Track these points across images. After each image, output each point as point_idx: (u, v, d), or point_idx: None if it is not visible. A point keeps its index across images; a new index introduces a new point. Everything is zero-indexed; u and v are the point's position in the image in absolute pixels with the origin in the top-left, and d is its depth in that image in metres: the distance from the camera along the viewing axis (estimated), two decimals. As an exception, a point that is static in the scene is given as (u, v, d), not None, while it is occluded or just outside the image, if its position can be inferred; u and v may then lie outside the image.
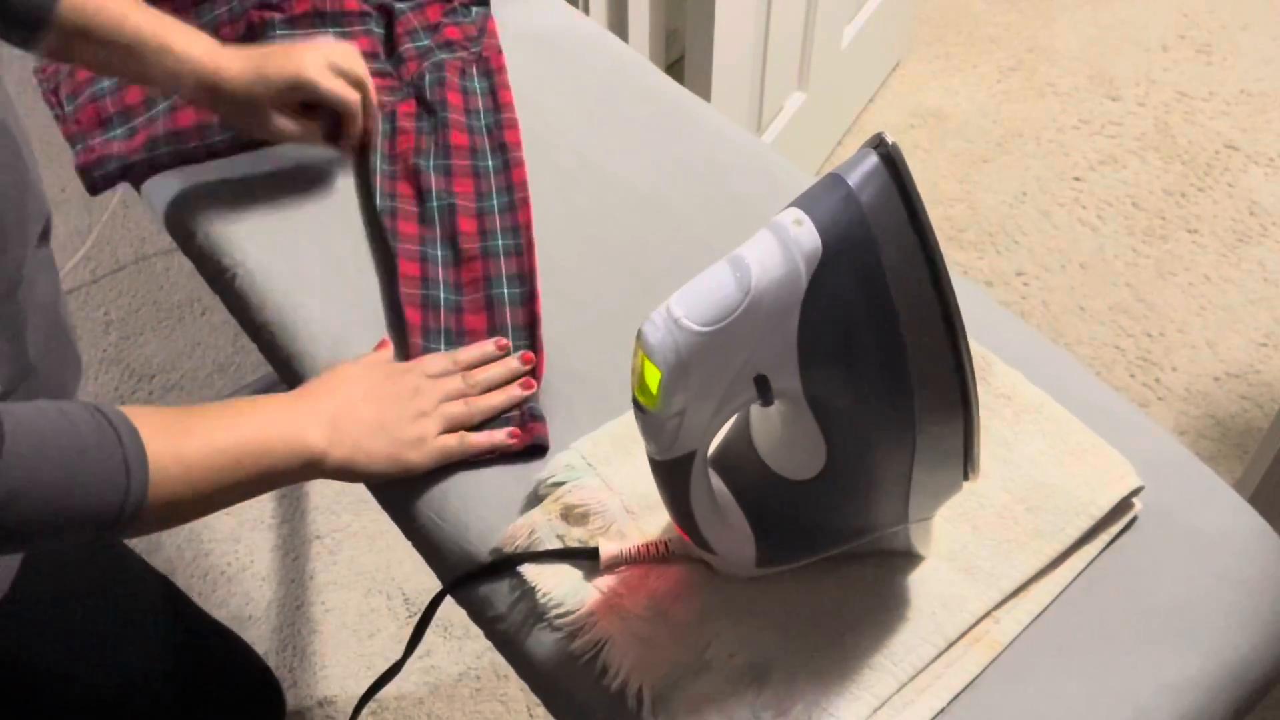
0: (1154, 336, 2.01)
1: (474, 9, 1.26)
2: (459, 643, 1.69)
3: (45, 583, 0.88)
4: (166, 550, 1.83)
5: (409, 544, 0.93)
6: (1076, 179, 2.26)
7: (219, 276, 1.09)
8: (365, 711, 1.65)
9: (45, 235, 0.86)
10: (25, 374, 0.81)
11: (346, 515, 1.86)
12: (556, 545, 0.85)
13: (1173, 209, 2.20)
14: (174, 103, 1.15)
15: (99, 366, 2.06)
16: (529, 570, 0.84)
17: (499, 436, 0.91)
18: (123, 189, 1.16)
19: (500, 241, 1.05)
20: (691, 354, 0.68)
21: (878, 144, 0.69)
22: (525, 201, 1.08)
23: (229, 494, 0.79)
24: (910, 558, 0.84)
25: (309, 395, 0.87)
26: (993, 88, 2.45)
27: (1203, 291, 2.07)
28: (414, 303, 1.00)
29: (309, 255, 1.07)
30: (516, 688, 1.66)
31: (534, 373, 0.96)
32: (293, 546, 1.84)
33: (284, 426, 0.82)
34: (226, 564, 1.82)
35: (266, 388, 1.98)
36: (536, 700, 1.40)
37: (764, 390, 0.71)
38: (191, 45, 1.00)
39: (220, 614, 1.74)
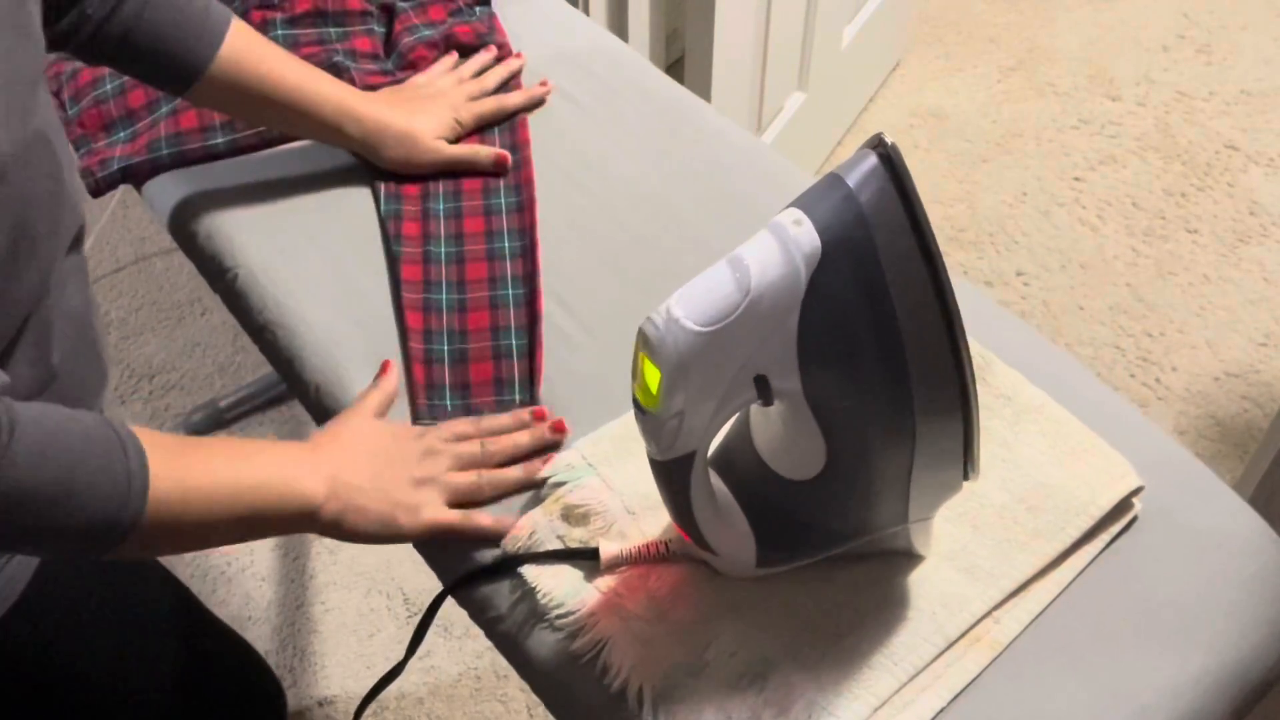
0: (1154, 336, 2.01)
1: (477, 9, 1.26)
2: (459, 643, 1.69)
3: (62, 585, 0.89)
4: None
5: (409, 544, 0.93)
6: (1076, 179, 2.27)
7: (220, 277, 1.09)
8: (366, 711, 1.66)
9: (78, 242, 0.86)
10: (49, 381, 0.81)
11: (347, 515, 1.86)
12: (557, 545, 0.85)
13: (1173, 209, 2.20)
14: (176, 105, 1.15)
15: (99, 366, 2.06)
16: (529, 571, 0.84)
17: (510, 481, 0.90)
18: (122, 189, 1.16)
19: (506, 243, 1.05)
20: (691, 354, 0.68)
21: (877, 145, 0.69)
22: (532, 201, 1.08)
23: (223, 530, 0.78)
24: (911, 558, 0.84)
25: (315, 446, 0.86)
26: (993, 88, 2.45)
27: (1203, 291, 2.08)
28: (416, 307, 1.00)
29: (310, 256, 1.07)
30: (516, 688, 1.66)
31: (533, 379, 0.96)
32: (293, 546, 1.85)
33: (285, 470, 0.81)
34: (226, 564, 1.82)
35: (266, 388, 1.98)
36: (536, 700, 1.40)
37: (764, 390, 0.71)
38: (349, 99, 1.07)
39: (220, 614, 1.74)
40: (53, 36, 0.91)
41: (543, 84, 1.18)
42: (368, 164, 1.11)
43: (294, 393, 1.03)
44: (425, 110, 1.11)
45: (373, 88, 1.14)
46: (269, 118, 1.07)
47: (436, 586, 0.88)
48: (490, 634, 0.86)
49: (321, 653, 1.72)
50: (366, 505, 0.84)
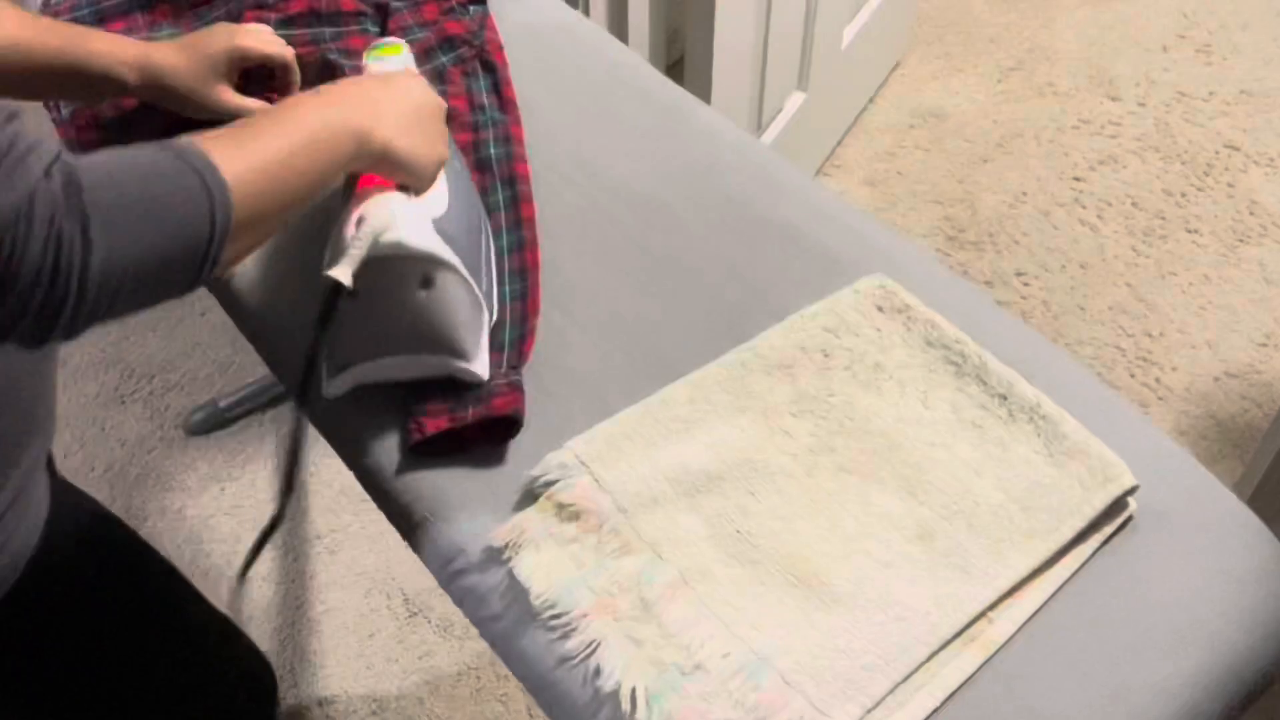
0: (1154, 336, 2.01)
1: (471, 7, 1.27)
2: (459, 643, 1.69)
3: (57, 572, 0.90)
4: (166, 550, 1.83)
5: (409, 544, 0.93)
6: (1076, 179, 2.26)
7: (218, 277, 1.08)
8: (366, 710, 1.66)
9: None
10: None
11: (346, 515, 1.86)
12: (549, 543, 0.85)
13: (1173, 209, 2.20)
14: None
15: (99, 366, 2.06)
16: (523, 570, 0.84)
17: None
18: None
19: (504, 238, 1.05)
20: None
21: None
22: (528, 197, 1.08)
23: (297, 186, 0.79)
24: (900, 554, 0.84)
25: (339, 92, 0.87)
26: (993, 88, 2.45)
27: (1203, 291, 2.07)
28: None
29: (309, 256, 1.07)
30: (516, 688, 1.66)
31: (522, 353, 0.97)
32: (293, 546, 1.85)
33: (329, 113, 0.83)
34: (226, 564, 1.82)
35: (266, 388, 1.98)
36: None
37: None
38: (118, 46, 1.02)
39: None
40: None
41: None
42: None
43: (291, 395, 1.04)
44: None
45: None
46: (51, 88, 1.04)
47: (436, 586, 0.88)
48: (485, 633, 0.87)
49: (321, 653, 1.72)
50: (408, 126, 0.88)
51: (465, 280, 0.91)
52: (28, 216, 0.62)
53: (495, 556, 0.86)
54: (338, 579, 1.79)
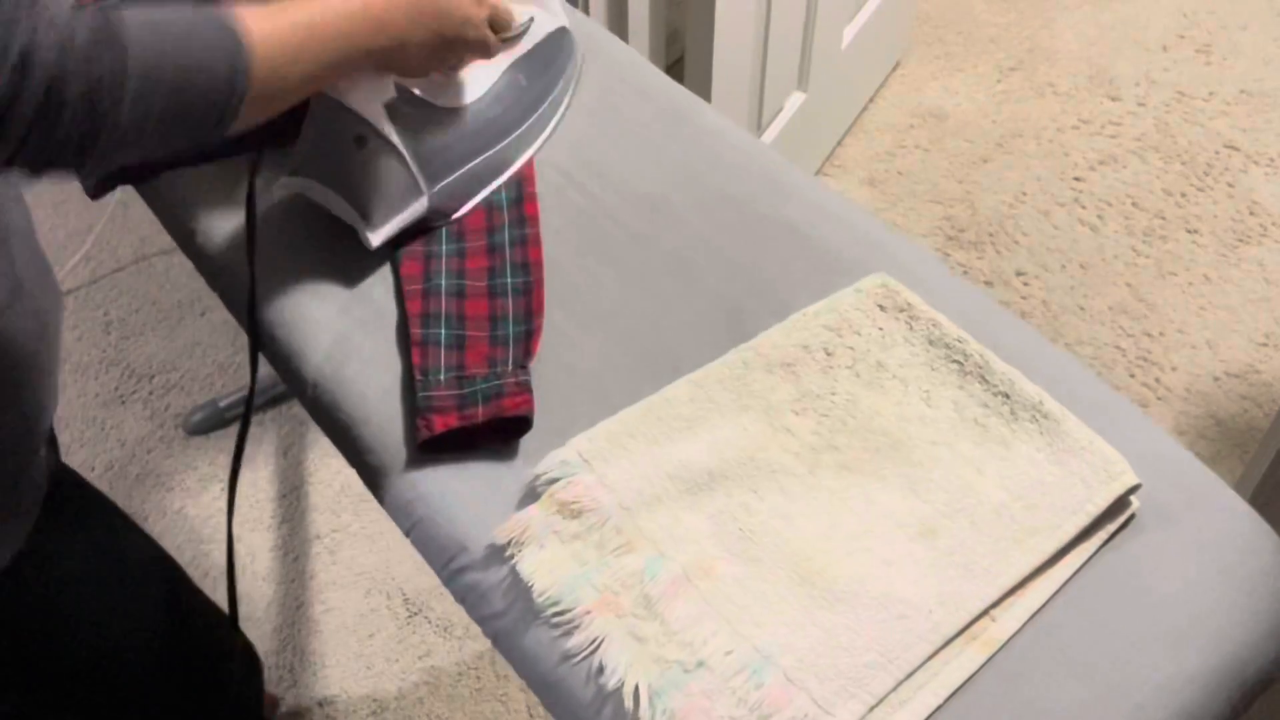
0: (1154, 336, 2.01)
1: None
2: (459, 643, 1.69)
3: (53, 558, 0.92)
4: (166, 549, 1.83)
5: (409, 544, 0.93)
6: (1076, 179, 2.27)
7: (219, 276, 1.09)
8: (366, 710, 1.66)
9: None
10: (17, 289, 0.84)
11: (346, 515, 1.86)
12: (552, 540, 0.85)
13: (1173, 209, 2.20)
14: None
15: (99, 366, 2.06)
16: (525, 568, 0.84)
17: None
18: (122, 189, 1.16)
19: (507, 234, 1.05)
20: None
21: None
22: (532, 197, 1.09)
23: (321, 64, 0.85)
24: (903, 552, 0.84)
25: None
26: (993, 88, 2.45)
27: (1203, 291, 2.08)
28: (416, 297, 1.00)
29: (309, 254, 1.07)
30: (516, 688, 1.66)
31: (529, 351, 0.97)
32: (293, 546, 1.85)
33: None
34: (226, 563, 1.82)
35: (266, 388, 1.98)
36: (537, 700, 1.40)
37: None
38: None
39: (220, 614, 1.75)
40: None
41: None
42: None
43: (293, 392, 1.04)
44: None
45: None
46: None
47: (436, 586, 0.88)
48: (486, 630, 0.87)
49: (321, 653, 1.72)
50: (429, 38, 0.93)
51: (401, 158, 1.00)
52: (69, 38, 0.67)
53: (497, 554, 0.86)
54: (338, 579, 1.79)
